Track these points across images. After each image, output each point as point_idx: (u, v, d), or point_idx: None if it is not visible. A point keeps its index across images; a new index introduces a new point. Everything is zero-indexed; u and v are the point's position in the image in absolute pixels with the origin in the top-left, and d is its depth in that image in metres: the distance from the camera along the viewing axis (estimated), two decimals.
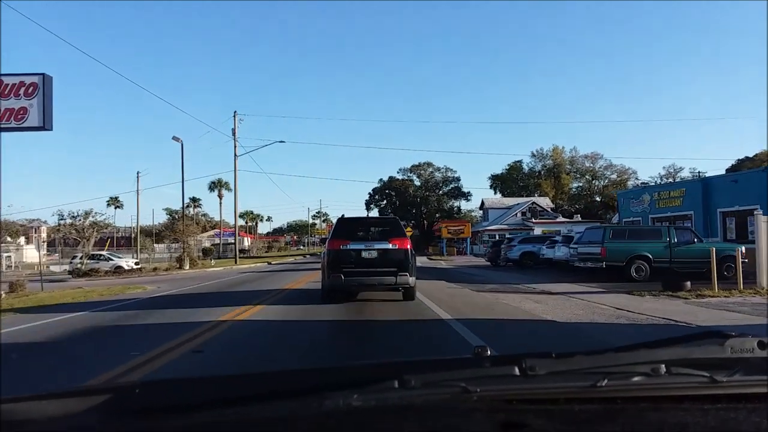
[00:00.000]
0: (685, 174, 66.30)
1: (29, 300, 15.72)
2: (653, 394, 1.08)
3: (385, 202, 77.64)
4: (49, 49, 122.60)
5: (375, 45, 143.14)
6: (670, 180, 62.14)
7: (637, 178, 70.59)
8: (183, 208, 45.03)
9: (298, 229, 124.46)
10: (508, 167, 78.29)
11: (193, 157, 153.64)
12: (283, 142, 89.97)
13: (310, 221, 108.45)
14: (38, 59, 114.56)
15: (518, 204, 60.05)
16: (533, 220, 52.82)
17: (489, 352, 1.41)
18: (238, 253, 43.44)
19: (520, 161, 77.91)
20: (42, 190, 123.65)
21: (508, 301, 12.07)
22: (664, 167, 73.87)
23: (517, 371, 1.10)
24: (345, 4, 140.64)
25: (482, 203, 67.19)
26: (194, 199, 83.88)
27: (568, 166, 75.23)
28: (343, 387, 1.03)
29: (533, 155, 77.13)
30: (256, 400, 1.03)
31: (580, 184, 75.86)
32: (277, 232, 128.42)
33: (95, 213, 36.68)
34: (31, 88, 16.96)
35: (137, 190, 47.60)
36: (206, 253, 51.70)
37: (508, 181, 77.62)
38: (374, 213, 73.58)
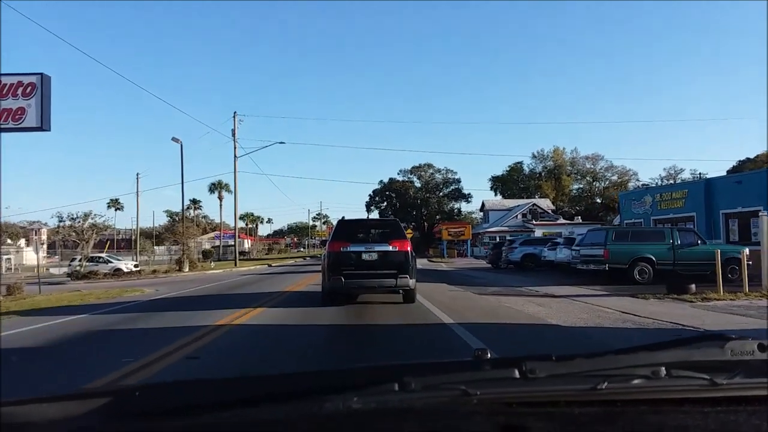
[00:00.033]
0: (686, 175, 66.34)
1: (25, 303, 15.64)
2: (653, 397, 1.08)
3: (385, 203, 77.57)
4: (48, 49, 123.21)
5: (375, 45, 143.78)
6: (671, 181, 62.12)
7: (637, 180, 70.57)
8: (183, 210, 45.11)
9: (299, 231, 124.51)
10: (508, 168, 78.39)
11: (193, 158, 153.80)
12: (283, 143, 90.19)
13: (311, 223, 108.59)
14: (38, 59, 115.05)
15: (519, 206, 60.06)
16: (534, 222, 52.78)
17: (489, 355, 1.41)
18: (238, 255, 43.43)
19: (520, 162, 78.01)
20: (41, 191, 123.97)
21: (511, 304, 11.99)
22: (664, 169, 73.95)
23: (517, 374, 1.10)
24: (345, 4, 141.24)
25: (483, 205, 67.18)
26: (194, 201, 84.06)
27: (569, 168, 75.22)
28: (342, 389, 1.03)
29: (534, 156, 77.23)
30: (256, 402, 1.03)
31: (581, 186, 75.81)
32: (278, 234, 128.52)
33: (94, 215, 36.75)
34: (29, 88, 16.82)
35: (137, 192, 47.62)
36: (206, 255, 51.74)
37: (508, 183, 77.63)
38: (374, 215, 73.53)
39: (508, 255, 28.13)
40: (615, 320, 9.39)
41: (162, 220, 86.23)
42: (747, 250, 14.26)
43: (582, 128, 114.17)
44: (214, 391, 1.17)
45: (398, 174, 78.31)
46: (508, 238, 37.30)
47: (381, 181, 78.37)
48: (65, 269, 36.76)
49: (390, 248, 11.17)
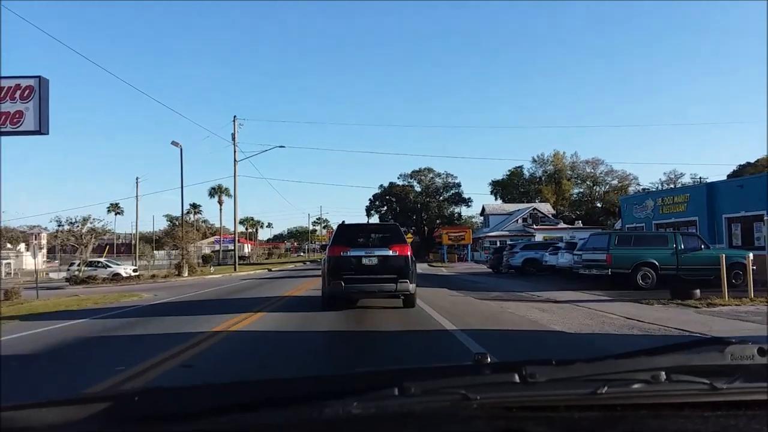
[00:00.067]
0: (686, 180, 66.41)
1: (22, 308, 15.55)
2: (653, 401, 1.08)
3: (385, 208, 77.61)
4: (48, 50, 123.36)
5: (375, 45, 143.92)
6: (671, 186, 62.13)
7: (638, 184, 70.70)
8: (182, 214, 45.14)
9: (299, 236, 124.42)
10: (508, 173, 78.38)
11: (193, 161, 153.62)
12: (283, 147, 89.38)
13: (311, 227, 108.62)
14: (37, 60, 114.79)
15: (519, 210, 60.04)
16: (534, 227, 52.76)
17: (489, 359, 1.41)
18: (237, 259, 43.43)
19: (520, 167, 78.01)
20: (39, 194, 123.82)
21: (513, 309, 11.90)
22: (665, 173, 74.10)
23: (517, 378, 1.10)
24: (345, 4, 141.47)
25: (483, 209, 67.16)
26: (194, 206, 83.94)
27: (569, 172, 75.25)
28: (342, 394, 1.03)
29: (534, 161, 77.23)
30: (256, 407, 1.03)
31: (581, 190, 75.86)
32: (278, 238, 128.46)
33: (93, 219, 36.79)
34: (27, 91, 16.74)
35: (136, 196, 47.69)
36: (206, 259, 51.73)
37: (508, 187, 77.62)
38: (375, 219, 73.69)
39: (509, 259, 28.09)
40: (620, 326, 9.24)
41: (162, 224, 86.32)
42: (752, 255, 14.07)
43: (582, 132, 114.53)
44: (214, 396, 1.17)
45: (398, 178, 78.49)
46: (508, 242, 37.25)
47: (381, 186, 78.55)
48: (64, 274, 36.75)
49: (390, 253, 11.17)
